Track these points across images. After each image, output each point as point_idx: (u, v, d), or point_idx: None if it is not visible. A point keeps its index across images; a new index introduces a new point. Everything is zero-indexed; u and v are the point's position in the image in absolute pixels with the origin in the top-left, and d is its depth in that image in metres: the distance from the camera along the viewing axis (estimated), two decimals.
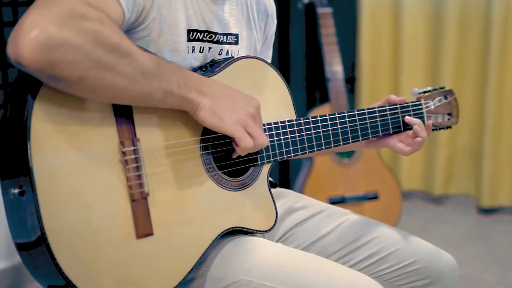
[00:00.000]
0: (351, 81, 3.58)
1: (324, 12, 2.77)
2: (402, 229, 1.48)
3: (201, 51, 1.28)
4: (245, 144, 1.17)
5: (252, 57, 1.31)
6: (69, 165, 1.04)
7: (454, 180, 3.53)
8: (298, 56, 3.51)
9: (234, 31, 1.36)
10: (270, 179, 1.39)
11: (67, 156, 1.04)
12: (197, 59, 1.28)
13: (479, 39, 3.33)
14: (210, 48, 1.30)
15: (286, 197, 1.50)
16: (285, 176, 3.36)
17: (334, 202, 2.67)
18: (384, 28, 3.54)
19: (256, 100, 1.22)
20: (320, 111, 2.74)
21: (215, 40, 1.31)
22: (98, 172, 1.07)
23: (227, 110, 1.16)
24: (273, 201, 1.32)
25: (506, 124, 3.31)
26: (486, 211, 3.42)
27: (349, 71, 3.59)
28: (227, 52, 1.34)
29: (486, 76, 3.28)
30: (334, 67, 2.73)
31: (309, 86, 3.48)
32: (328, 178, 2.73)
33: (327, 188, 2.70)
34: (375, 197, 2.76)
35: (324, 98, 3.18)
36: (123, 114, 1.10)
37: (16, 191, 1.03)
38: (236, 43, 1.36)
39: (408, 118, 1.45)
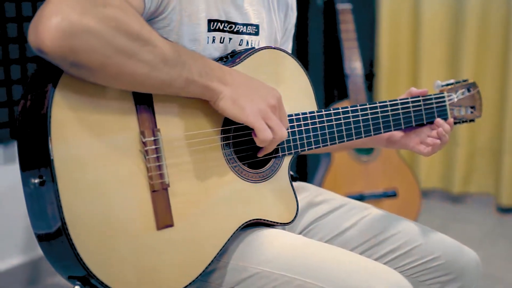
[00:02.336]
0: (370, 77, 3.55)
1: (344, 8, 2.75)
2: None
3: (222, 41, 1.27)
4: (264, 135, 1.15)
5: (274, 48, 1.29)
6: (89, 154, 1.03)
7: (473, 179, 3.49)
8: (316, 53, 3.49)
9: (254, 22, 1.34)
10: (291, 172, 1.37)
11: (88, 145, 1.03)
12: (217, 50, 1.27)
13: (499, 35, 3.28)
14: (230, 38, 1.29)
15: (307, 191, 1.49)
16: (302, 173, 3.34)
17: (353, 198, 2.65)
18: (404, 24, 3.51)
19: (277, 92, 1.20)
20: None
21: (235, 30, 1.29)
22: (118, 162, 1.05)
23: (248, 100, 1.15)
24: (295, 193, 1.30)
25: None
26: (506, 210, 3.37)
27: (368, 68, 3.56)
28: (247, 43, 1.32)
29: (506, 73, 3.24)
30: (354, 63, 2.70)
31: (327, 83, 3.46)
32: (347, 175, 2.70)
33: (345, 185, 2.68)
34: (394, 195, 2.73)
35: (342, 95, 3.16)
36: (144, 103, 1.09)
37: (37, 181, 1.02)
38: (257, 33, 1.35)
39: (439, 121, 1.42)
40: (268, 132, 1.16)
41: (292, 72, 1.31)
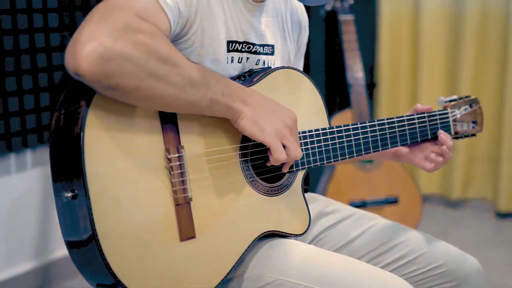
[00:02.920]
0: (371, 87, 3.62)
1: (346, 19, 2.82)
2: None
3: (240, 61, 1.34)
4: (279, 156, 1.22)
5: (288, 68, 1.36)
6: (119, 171, 1.10)
7: (472, 185, 3.57)
8: (318, 62, 3.56)
9: (270, 42, 1.41)
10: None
11: (118, 162, 1.10)
12: (236, 69, 1.34)
13: (498, 45, 3.36)
14: (248, 58, 1.36)
15: (316, 201, 1.56)
16: (305, 180, 3.41)
17: (355, 206, 2.72)
18: (404, 33, 3.59)
19: (293, 113, 1.27)
20: (342, 116, 2.79)
21: (252, 50, 1.36)
22: (145, 178, 1.13)
23: (267, 121, 1.22)
24: (307, 206, 1.37)
25: None
26: (504, 215, 3.45)
27: (369, 77, 3.64)
28: (264, 63, 1.39)
29: (504, 82, 3.32)
30: (356, 73, 2.78)
31: (328, 92, 3.54)
32: (350, 182, 2.78)
33: (348, 192, 2.75)
34: (395, 201, 2.80)
35: (344, 103, 3.23)
36: (169, 122, 1.16)
37: (69, 194, 1.09)
38: (272, 53, 1.42)
39: (442, 137, 1.49)
40: (283, 154, 1.22)
41: (306, 91, 1.38)
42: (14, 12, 2.40)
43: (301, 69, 1.59)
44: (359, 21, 3.29)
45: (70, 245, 1.14)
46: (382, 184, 2.80)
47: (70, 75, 1.06)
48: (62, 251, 2.71)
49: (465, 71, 3.39)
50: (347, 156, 1.40)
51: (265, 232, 1.29)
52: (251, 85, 1.29)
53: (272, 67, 1.40)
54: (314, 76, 3.59)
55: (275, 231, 1.31)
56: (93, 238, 1.06)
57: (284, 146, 1.24)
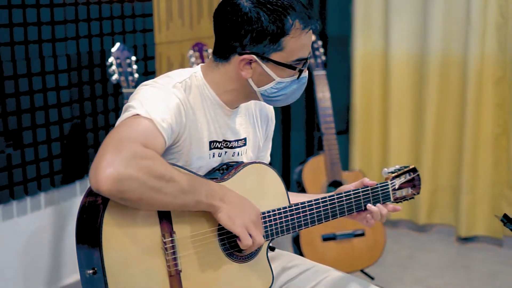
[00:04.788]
0: (345, 132, 4.06)
1: (319, 74, 3.22)
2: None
3: (220, 155, 1.74)
4: (246, 243, 1.62)
5: (257, 163, 1.76)
6: (128, 255, 1.50)
7: (436, 211, 3.98)
8: (298, 111, 4.03)
9: (242, 136, 1.81)
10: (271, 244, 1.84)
11: (127, 249, 1.50)
12: (216, 162, 1.74)
13: (457, 86, 3.77)
14: (226, 152, 1.76)
15: (281, 258, 1.95)
16: None
17: (327, 238, 3.13)
18: (375, 77, 3.99)
19: (258, 210, 1.67)
20: (316, 160, 3.19)
21: (229, 146, 1.76)
22: (148, 257, 1.53)
23: (238, 216, 1.61)
24: (271, 268, 1.76)
25: (481, 164, 3.75)
26: (465, 239, 3.86)
27: (344, 123, 4.06)
28: (238, 154, 1.79)
29: (463, 120, 3.72)
30: (328, 124, 3.17)
31: (308, 136, 3.98)
32: None
33: (320, 227, 3.14)
34: (362, 234, 3.20)
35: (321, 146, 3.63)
36: (164, 215, 1.57)
37: (91, 271, 1.50)
38: (245, 144, 1.82)
39: (370, 207, 1.88)
40: (249, 241, 1.62)
41: (271, 180, 1.77)
42: (29, 76, 2.80)
43: (269, 150, 1.98)
44: (334, 65, 3.71)
45: None
46: (350, 219, 3.20)
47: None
48: (71, 278, 3.12)
49: (429, 110, 3.80)
50: (303, 227, 1.79)
51: None
52: (228, 179, 1.69)
53: (245, 156, 1.80)
54: (295, 119, 4.09)
55: None
56: None
57: (250, 235, 1.63)
